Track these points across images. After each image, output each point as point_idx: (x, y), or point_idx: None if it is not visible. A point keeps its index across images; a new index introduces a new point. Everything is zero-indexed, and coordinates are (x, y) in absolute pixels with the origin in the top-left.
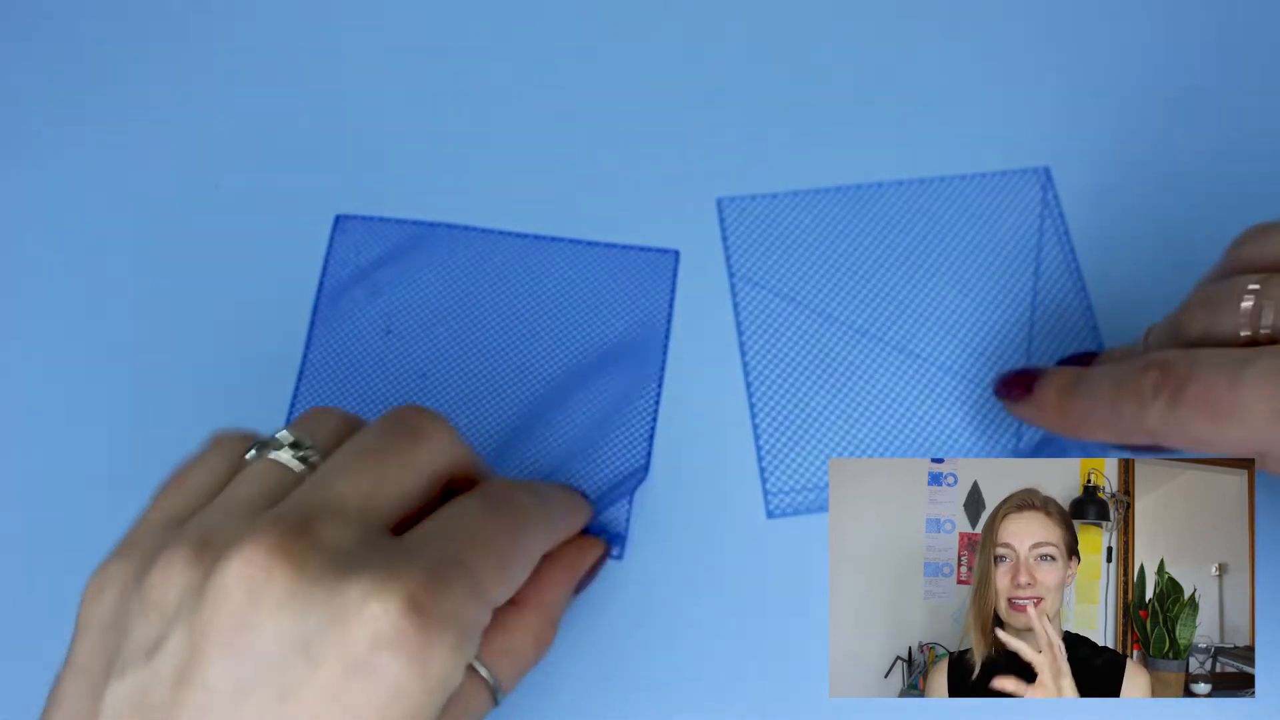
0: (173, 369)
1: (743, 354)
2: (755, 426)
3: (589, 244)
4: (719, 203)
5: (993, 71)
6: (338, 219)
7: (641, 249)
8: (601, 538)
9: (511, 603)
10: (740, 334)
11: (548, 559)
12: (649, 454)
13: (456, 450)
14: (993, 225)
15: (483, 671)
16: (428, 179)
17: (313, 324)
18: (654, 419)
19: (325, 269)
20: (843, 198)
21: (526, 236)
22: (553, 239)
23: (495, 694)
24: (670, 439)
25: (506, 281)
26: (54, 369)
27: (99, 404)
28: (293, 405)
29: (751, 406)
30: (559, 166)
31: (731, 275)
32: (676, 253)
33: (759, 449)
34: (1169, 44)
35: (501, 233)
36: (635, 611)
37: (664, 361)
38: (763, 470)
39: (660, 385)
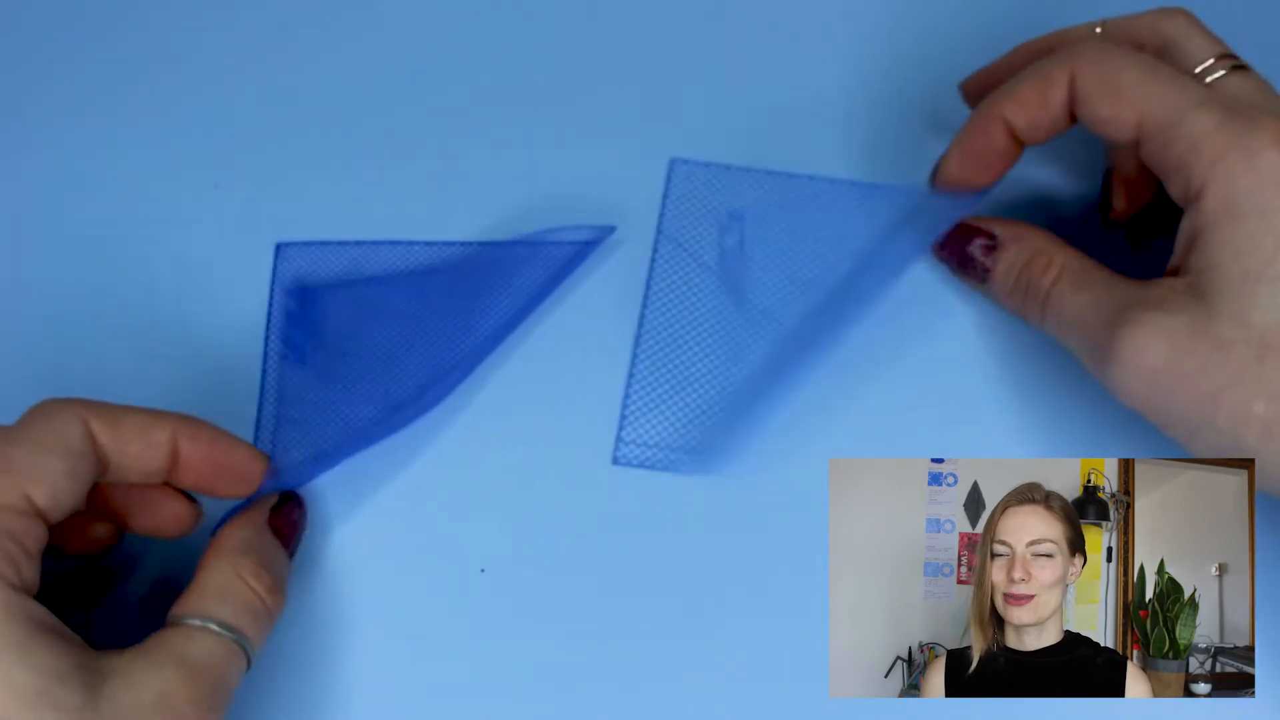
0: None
1: (643, 309)
2: (631, 375)
3: (530, 243)
4: (671, 163)
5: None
6: (278, 247)
7: (574, 242)
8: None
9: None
10: (647, 290)
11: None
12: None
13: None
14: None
15: (195, 622)
16: (370, 192)
17: (265, 354)
18: None
19: (273, 298)
20: (794, 185)
21: (470, 245)
22: (493, 244)
23: (233, 639)
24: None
25: (452, 288)
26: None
27: None
28: (257, 429)
29: (634, 357)
30: (517, 152)
31: (659, 233)
32: (613, 229)
33: (627, 397)
34: None
35: (445, 243)
36: (636, 611)
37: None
38: (623, 418)
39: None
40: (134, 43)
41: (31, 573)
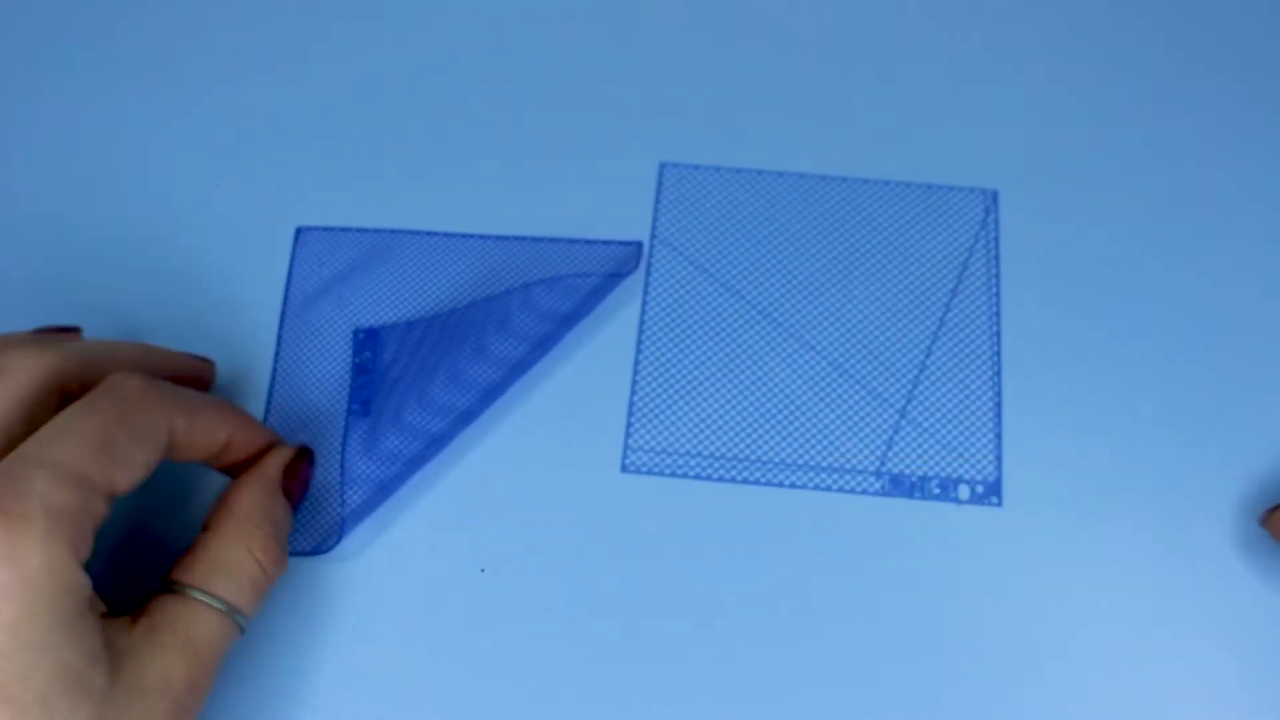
0: None
1: (642, 314)
2: (634, 381)
3: (551, 240)
4: (660, 167)
5: (965, 86)
6: (298, 231)
7: (605, 242)
8: (302, 445)
9: (206, 525)
10: (645, 294)
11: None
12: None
13: (39, 374)
14: (925, 237)
15: (202, 598)
16: (385, 186)
17: (280, 338)
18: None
19: (289, 282)
20: (784, 183)
21: (488, 238)
22: (515, 238)
23: (233, 617)
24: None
25: (472, 284)
26: None
27: None
28: (266, 417)
29: (636, 363)
30: (517, 159)
31: (653, 238)
32: (639, 244)
33: (631, 404)
34: (1157, 105)
35: (463, 235)
36: (635, 611)
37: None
38: (629, 425)
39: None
40: (144, 38)
41: (89, 550)
